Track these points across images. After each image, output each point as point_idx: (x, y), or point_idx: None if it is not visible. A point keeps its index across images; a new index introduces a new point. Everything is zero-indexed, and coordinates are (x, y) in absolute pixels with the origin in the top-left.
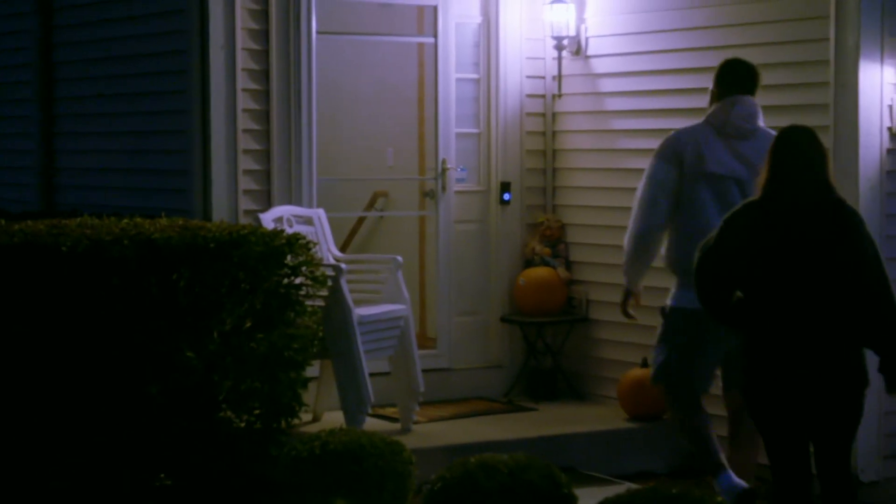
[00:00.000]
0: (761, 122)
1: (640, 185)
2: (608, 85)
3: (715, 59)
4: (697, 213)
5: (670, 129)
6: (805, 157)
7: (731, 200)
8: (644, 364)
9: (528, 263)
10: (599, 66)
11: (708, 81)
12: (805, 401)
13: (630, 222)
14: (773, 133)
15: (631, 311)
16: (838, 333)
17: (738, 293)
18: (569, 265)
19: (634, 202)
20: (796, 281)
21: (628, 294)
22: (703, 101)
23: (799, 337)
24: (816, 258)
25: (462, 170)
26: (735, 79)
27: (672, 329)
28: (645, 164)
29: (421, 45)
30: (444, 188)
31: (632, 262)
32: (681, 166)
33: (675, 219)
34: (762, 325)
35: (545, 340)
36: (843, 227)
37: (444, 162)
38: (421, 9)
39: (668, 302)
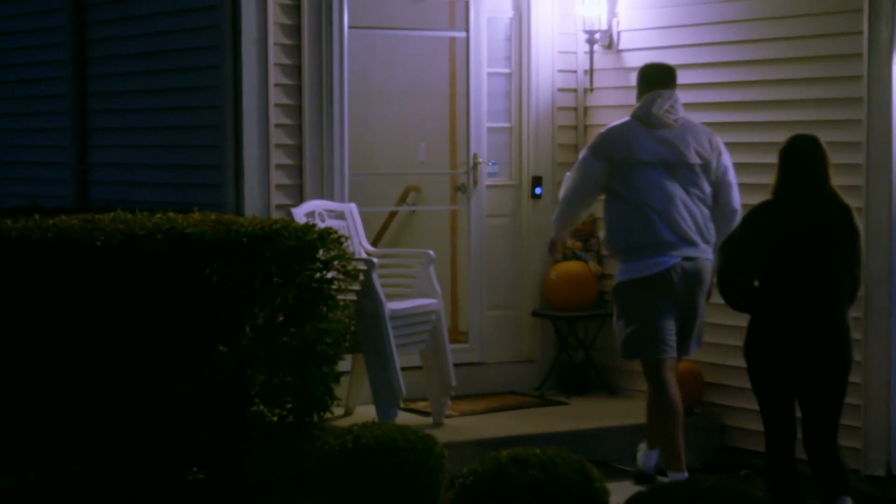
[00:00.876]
0: (682, 113)
1: (572, 170)
2: None
3: (748, 53)
4: (632, 197)
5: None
6: (810, 163)
7: (660, 183)
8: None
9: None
10: (632, 59)
11: (741, 75)
12: (798, 361)
13: (560, 199)
14: (695, 121)
15: (558, 256)
16: (831, 303)
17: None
18: (600, 259)
19: (564, 182)
20: (802, 262)
21: (555, 243)
22: (736, 95)
23: (800, 304)
24: (818, 242)
25: (493, 164)
26: (654, 77)
27: (626, 301)
28: None
29: (452, 39)
30: (475, 182)
31: (559, 225)
32: (609, 161)
33: (612, 206)
34: (771, 299)
35: (577, 335)
36: (838, 218)
37: (475, 156)
38: (452, 3)
39: (617, 279)
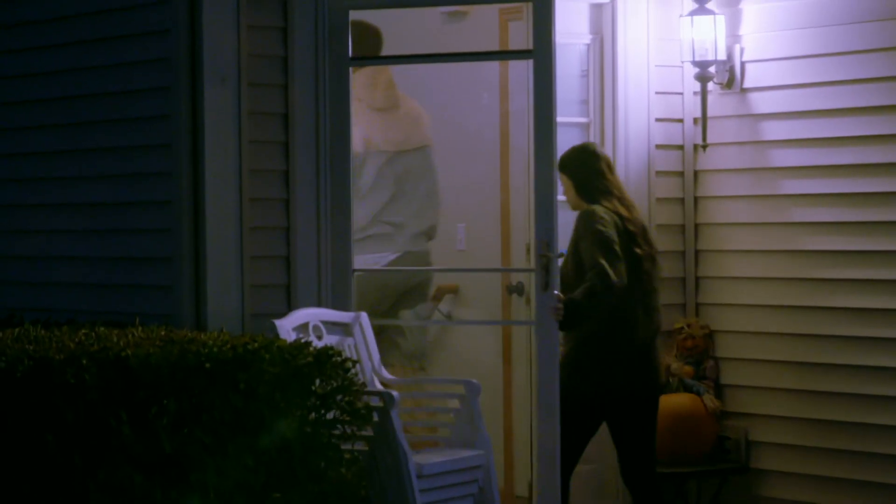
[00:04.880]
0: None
1: None
2: (776, 130)
3: None
4: None
5: (870, 194)
6: (614, 175)
7: None
8: None
9: (663, 388)
10: (762, 103)
11: None
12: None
13: None
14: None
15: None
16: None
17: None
18: (719, 390)
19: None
20: (636, 284)
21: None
22: None
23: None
24: (647, 267)
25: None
26: None
27: None
28: (833, 243)
29: (504, 74)
30: (545, 285)
31: None
32: None
33: None
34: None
35: (687, 499)
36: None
37: (545, 246)
38: (504, 22)
39: None
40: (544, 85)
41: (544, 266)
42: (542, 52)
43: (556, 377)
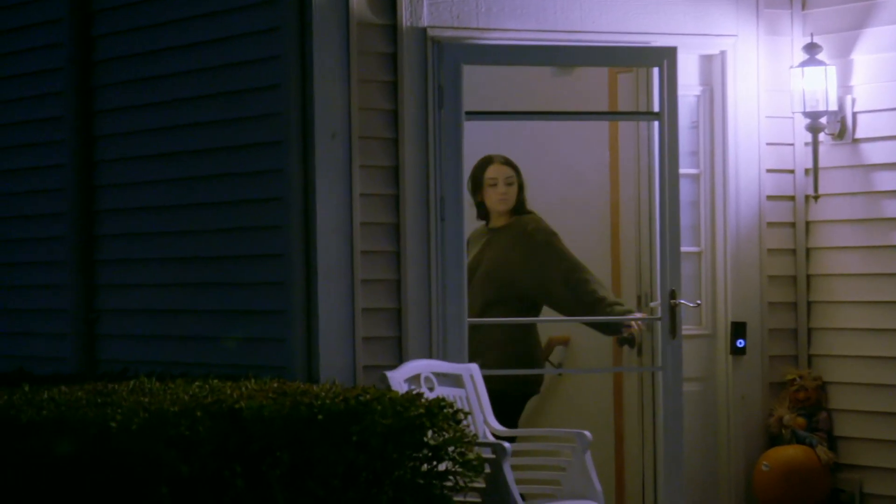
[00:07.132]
0: None
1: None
2: (888, 181)
3: None
4: None
5: None
6: None
7: None
8: None
9: (774, 440)
10: (875, 153)
11: None
12: None
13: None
14: None
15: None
16: None
17: None
18: (833, 442)
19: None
20: None
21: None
22: None
23: None
24: None
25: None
26: None
27: None
28: None
29: (614, 127)
30: (673, 333)
31: None
32: None
33: None
34: None
35: None
36: None
37: (672, 294)
38: (614, 77)
39: None
40: (670, 145)
41: (671, 314)
42: (668, 115)
43: (682, 424)
